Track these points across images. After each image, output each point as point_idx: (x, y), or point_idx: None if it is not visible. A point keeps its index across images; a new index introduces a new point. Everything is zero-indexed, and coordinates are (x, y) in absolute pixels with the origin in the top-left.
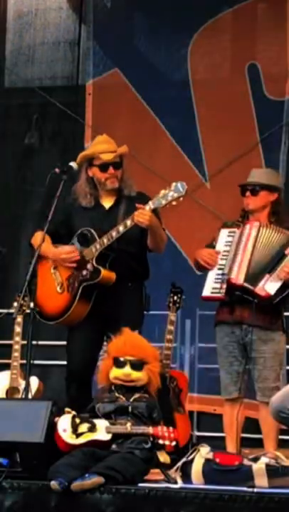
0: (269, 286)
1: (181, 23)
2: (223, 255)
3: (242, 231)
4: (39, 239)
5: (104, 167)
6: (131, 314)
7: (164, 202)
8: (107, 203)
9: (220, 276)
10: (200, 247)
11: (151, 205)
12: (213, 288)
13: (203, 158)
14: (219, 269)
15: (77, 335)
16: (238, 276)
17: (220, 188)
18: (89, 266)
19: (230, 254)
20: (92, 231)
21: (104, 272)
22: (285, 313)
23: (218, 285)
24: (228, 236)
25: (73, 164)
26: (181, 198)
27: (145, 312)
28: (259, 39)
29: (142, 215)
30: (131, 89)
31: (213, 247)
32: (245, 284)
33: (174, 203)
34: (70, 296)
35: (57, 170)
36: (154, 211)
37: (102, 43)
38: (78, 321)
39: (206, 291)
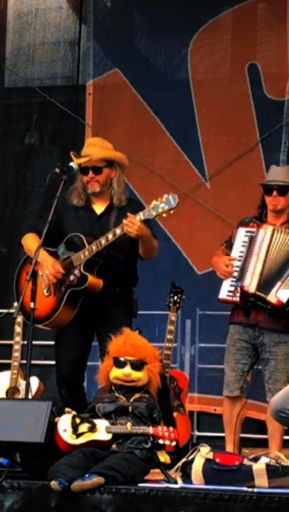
0: (281, 293)
1: (181, 23)
2: (240, 256)
3: (256, 235)
4: (30, 240)
5: (83, 170)
6: (118, 318)
7: (154, 213)
8: (99, 208)
9: (235, 280)
10: (200, 247)
11: (141, 215)
12: (229, 291)
13: (203, 158)
14: (235, 271)
15: (65, 338)
16: (251, 284)
17: (220, 188)
18: (76, 272)
19: (243, 259)
20: (82, 237)
21: (92, 279)
22: None
23: (232, 289)
24: (245, 236)
25: (73, 164)
26: (172, 211)
27: (134, 318)
28: (259, 39)
29: (132, 224)
30: (131, 89)
31: (231, 245)
32: (258, 293)
33: (164, 215)
34: (56, 300)
35: (57, 170)
36: (145, 221)
37: (102, 43)
38: (63, 325)
39: (222, 294)
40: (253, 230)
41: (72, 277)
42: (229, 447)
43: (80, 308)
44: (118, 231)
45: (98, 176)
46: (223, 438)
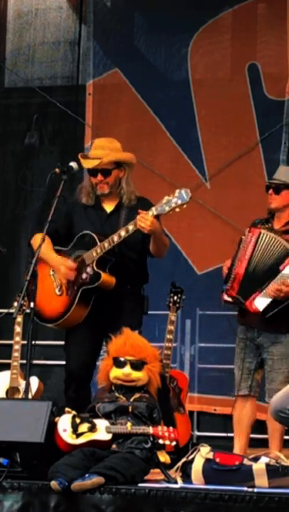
0: (258, 302)
1: (181, 23)
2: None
3: (245, 238)
4: (39, 240)
5: (92, 173)
6: (130, 316)
7: (167, 208)
8: (109, 207)
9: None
10: (200, 247)
11: (154, 211)
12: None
13: (203, 158)
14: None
15: (76, 337)
16: (232, 288)
17: (220, 188)
18: (89, 269)
19: (233, 263)
20: (93, 234)
21: (105, 276)
22: None
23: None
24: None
25: (73, 164)
26: (185, 205)
27: (144, 315)
28: (259, 39)
29: (145, 220)
30: (131, 89)
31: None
32: (237, 296)
33: (177, 209)
34: (68, 299)
35: (57, 170)
36: (156, 217)
37: (102, 43)
38: (76, 324)
39: (224, 296)
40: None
41: (84, 275)
42: (236, 448)
43: (91, 307)
44: (131, 227)
45: (107, 179)
46: (223, 438)
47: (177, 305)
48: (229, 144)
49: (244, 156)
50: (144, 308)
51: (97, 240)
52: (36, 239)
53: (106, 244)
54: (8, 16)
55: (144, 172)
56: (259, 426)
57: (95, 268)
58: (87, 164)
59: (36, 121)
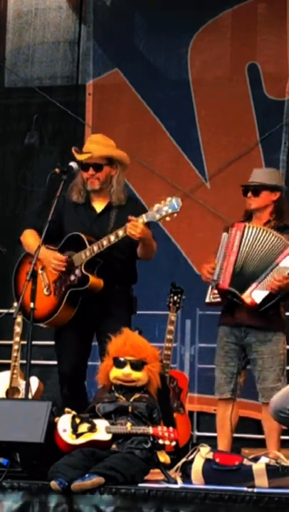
0: (256, 294)
1: (181, 23)
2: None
3: (230, 233)
4: (30, 237)
5: (84, 167)
6: (118, 315)
7: (158, 216)
8: (99, 206)
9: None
10: (200, 247)
11: (144, 218)
12: (214, 293)
13: (203, 158)
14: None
15: (65, 338)
16: (223, 280)
17: (220, 188)
18: (77, 272)
19: (220, 259)
20: (83, 236)
21: (93, 279)
22: (287, 313)
23: (215, 291)
24: (225, 238)
25: (73, 164)
26: (175, 215)
27: (132, 315)
28: (259, 39)
29: (135, 227)
30: (131, 89)
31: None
32: (231, 289)
33: (167, 218)
34: (56, 299)
35: (57, 170)
36: (147, 223)
37: (102, 43)
38: (63, 324)
39: (207, 298)
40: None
41: (72, 277)
42: (222, 448)
43: (79, 307)
44: (121, 233)
45: (98, 173)
46: None
47: (177, 305)
48: (229, 143)
49: (244, 156)
50: (133, 308)
51: (86, 242)
52: (25, 235)
53: (95, 248)
54: (7, 16)
55: (144, 172)
56: (258, 426)
57: (83, 270)
58: (80, 157)
59: (36, 121)
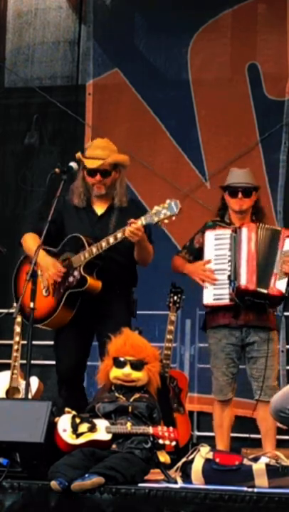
0: (279, 284)
1: (181, 23)
2: (220, 259)
3: (240, 234)
4: (30, 239)
5: (91, 173)
6: (117, 318)
7: (156, 219)
8: (100, 209)
9: (222, 283)
10: None
11: (143, 220)
12: (215, 294)
13: (203, 158)
14: (218, 274)
15: (64, 339)
16: (250, 282)
17: (220, 188)
18: (76, 273)
19: (232, 259)
20: (83, 238)
21: (91, 281)
22: (285, 313)
23: (221, 291)
24: (217, 239)
25: (73, 164)
26: (174, 217)
27: (133, 317)
28: (259, 39)
29: (135, 230)
30: (131, 89)
31: (196, 249)
32: (258, 289)
33: (165, 221)
34: (54, 300)
35: (57, 170)
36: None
37: (102, 43)
38: (62, 325)
39: (208, 299)
40: (225, 231)
41: (71, 279)
42: (221, 448)
43: (78, 309)
44: (119, 235)
45: (106, 179)
46: None
47: (177, 305)
48: (229, 144)
49: (244, 156)
50: (133, 310)
51: (86, 244)
52: (26, 238)
53: (94, 250)
54: (7, 16)
55: (144, 172)
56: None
57: (82, 272)
58: (91, 164)
59: (36, 121)
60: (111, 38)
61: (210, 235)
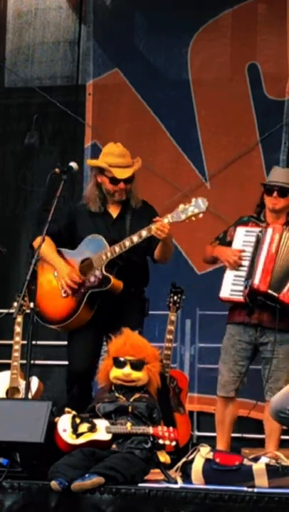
0: None
1: (181, 23)
2: (244, 256)
3: (264, 234)
4: (46, 244)
5: (115, 181)
6: (132, 318)
7: (183, 217)
8: (114, 211)
9: (240, 279)
10: (200, 247)
11: (170, 218)
12: (232, 290)
13: (203, 158)
14: (239, 270)
15: (80, 338)
16: (262, 283)
17: (220, 188)
18: (98, 273)
19: (252, 258)
20: (103, 238)
21: (114, 280)
22: None
23: (238, 287)
24: (246, 235)
25: (73, 164)
26: (201, 215)
27: (145, 317)
28: (259, 39)
29: (163, 228)
30: (131, 89)
31: (227, 242)
32: (269, 291)
33: (193, 218)
34: (74, 301)
35: (57, 170)
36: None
37: (102, 43)
38: (79, 327)
39: (225, 293)
40: (255, 229)
41: (92, 278)
42: (219, 446)
43: (95, 309)
44: (144, 233)
45: (128, 186)
46: None
47: (177, 305)
48: (229, 143)
49: (244, 156)
50: (145, 310)
51: (106, 244)
52: (38, 241)
53: (117, 249)
54: (7, 16)
55: (144, 172)
56: (259, 426)
57: (104, 272)
58: (122, 174)
59: (36, 121)
60: (111, 38)
61: (241, 231)
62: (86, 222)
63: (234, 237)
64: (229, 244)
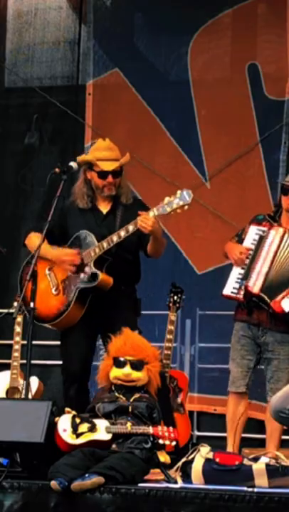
0: (285, 302)
1: (181, 23)
2: (250, 254)
3: (266, 235)
4: (35, 239)
5: (103, 175)
6: (125, 317)
7: (168, 209)
8: (104, 207)
9: (240, 278)
10: (200, 247)
11: (155, 211)
12: (234, 288)
13: (203, 158)
14: (242, 268)
15: (72, 338)
16: (255, 285)
17: (220, 188)
18: (87, 269)
19: (252, 258)
20: (91, 234)
21: (103, 276)
22: None
23: (237, 286)
24: (256, 234)
25: (73, 164)
26: (186, 207)
27: (138, 317)
28: (259, 39)
29: (146, 220)
30: (131, 89)
31: (242, 240)
32: (261, 294)
33: (178, 210)
34: (65, 298)
35: (57, 170)
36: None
37: (102, 43)
38: (71, 324)
39: (227, 290)
40: (264, 229)
41: (82, 275)
42: (230, 445)
43: (87, 308)
44: (131, 228)
45: (117, 180)
46: (223, 438)
47: (177, 305)
48: (229, 143)
49: (244, 156)
50: (138, 310)
51: (94, 240)
52: (30, 238)
53: (105, 244)
54: (7, 16)
55: (144, 172)
56: (259, 426)
57: (92, 267)
58: (108, 167)
59: (36, 121)
60: (111, 38)
61: (253, 229)
62: (76, 219)
63: (246, 234)
64: (243, 241)
